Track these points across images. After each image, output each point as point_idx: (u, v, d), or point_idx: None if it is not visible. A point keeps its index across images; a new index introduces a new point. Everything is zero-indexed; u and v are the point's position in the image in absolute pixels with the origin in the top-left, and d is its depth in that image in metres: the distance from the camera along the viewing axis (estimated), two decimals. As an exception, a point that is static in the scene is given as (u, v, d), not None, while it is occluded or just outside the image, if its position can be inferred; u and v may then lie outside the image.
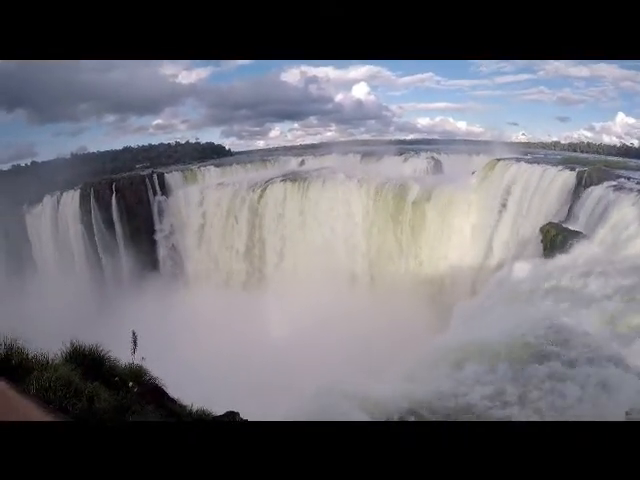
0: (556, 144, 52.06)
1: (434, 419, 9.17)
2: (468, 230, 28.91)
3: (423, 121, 62.46)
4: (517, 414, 8.78)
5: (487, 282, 21.60)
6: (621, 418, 7.70)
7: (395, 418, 9.46)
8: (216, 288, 32.96)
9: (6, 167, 45.03)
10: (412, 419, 9.31)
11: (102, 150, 51.27)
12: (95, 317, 25.64)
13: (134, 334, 6.09)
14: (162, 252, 37.03)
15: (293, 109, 62.48)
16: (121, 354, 5.53)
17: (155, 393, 5.31)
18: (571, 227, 20.89)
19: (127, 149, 53.15)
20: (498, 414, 8.94)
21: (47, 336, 4.68)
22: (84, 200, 36.27)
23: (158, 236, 37.14)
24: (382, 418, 9.49)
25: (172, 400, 5.53)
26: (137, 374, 5.30)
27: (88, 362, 4.74)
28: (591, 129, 53.90)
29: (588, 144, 51.01)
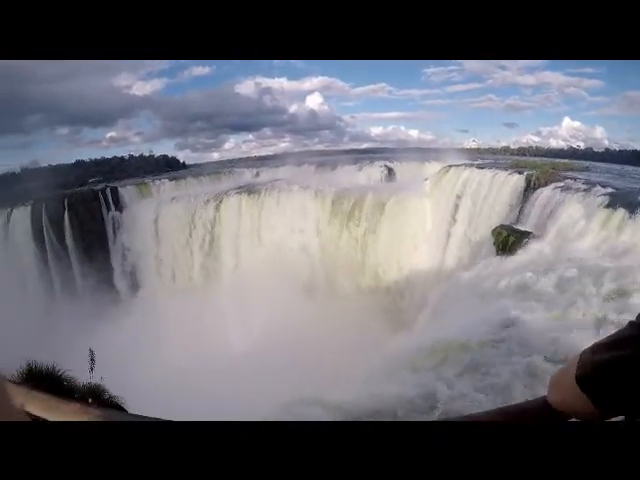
0: (505, 149, 54.09)
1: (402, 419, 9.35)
2: (423, 236, 29.55)
3: (376, 130, 63.30)
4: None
5: (444, 286, 22.20)
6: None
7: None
8: (172, 303, 32.30)
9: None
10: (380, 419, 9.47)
11: (54, 164, 49.08)
12: (50, 337, 24.59)
13: (91, 352, 6.00)
14: (117, 269, 35.88)
15: (247, 121, 62.09)
16: (79, 373, 5.43)
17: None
18: (522, 228, 21.80)
19: (80, 163, 50.99)
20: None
21: (1, 357, 4.55)
22: (35, 216, 34.63)
23: (113, 253, 36.02)
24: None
25: (134, 417, 5.44)
26: (96, 393, 5.20)
27: (45, 382, 4.65)
28: (538, 134, 56.26)
29: (536, 148, 53.03)
